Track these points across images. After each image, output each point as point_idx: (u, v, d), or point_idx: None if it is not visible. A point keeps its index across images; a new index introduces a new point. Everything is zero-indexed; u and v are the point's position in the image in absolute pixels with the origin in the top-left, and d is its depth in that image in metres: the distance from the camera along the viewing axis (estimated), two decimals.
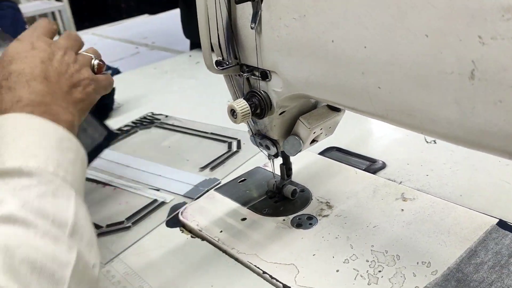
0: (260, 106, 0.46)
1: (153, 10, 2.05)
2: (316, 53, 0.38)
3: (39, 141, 0.31)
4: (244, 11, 0.43)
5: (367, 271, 0.45)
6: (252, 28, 0.42)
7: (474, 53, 0.28)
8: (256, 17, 0.41)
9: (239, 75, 0.47)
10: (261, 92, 0.46)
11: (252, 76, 0.46)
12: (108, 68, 1.17)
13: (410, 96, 0.33)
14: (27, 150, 0.31)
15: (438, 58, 0.30)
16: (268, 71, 0.44)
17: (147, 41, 1.54)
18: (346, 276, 0.44)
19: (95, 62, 0.47)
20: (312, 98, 0.43)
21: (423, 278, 0.43)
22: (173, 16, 1.36)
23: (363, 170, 0.61)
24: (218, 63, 0.48)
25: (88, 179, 0.68)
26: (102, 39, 1.65)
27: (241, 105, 0.45)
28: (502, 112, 0.28)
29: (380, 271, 0.45)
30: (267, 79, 0.45)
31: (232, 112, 0.45)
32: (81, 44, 0.48)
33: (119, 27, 1.89)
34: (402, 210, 0.53)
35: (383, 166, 0.63)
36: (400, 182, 0.58)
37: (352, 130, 0.72)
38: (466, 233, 0.48)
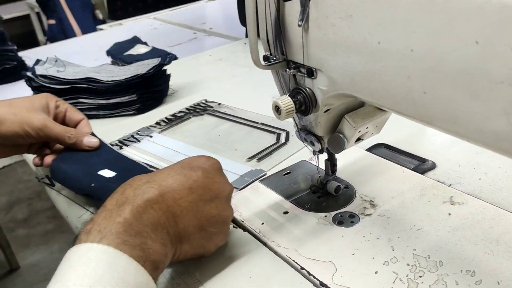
0: (305, 103, 0.46)
1: None
2: (361, 54, 0.37)
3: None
4: (292, 8, 0.43)
5: (407, 275, 0.44)
6: (299, 25, 0.42)
7: None
8: (303, 15, 0.41)
9: (285, 71, 0.47)
10: (306, 89, 0.46)
11: (298, 73, 0.46)
12: (167, 54, 1.20)
13: (456, 103, 0.32)
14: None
15: (487, 67, 0.29)
16: (314, 68, 0.44)
17: (205, 26, 1.57)
18: (385, 279, 0.44)
19: None
20: (357, 98, 0.42)
21: (465, 287, 0.42)
22: (233, 0, 1.37)
23: (411, 169, 0.60)
24: (265, 58, 0.48)
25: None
26: (163, 24, 1.69)
27: (286, 102, 0.45)
28: None
29: (420, 277, 0.44)
30: (313, 77, 0.44)
31: (277, 109, 0.46)
32: None
33: (180, 11, 1.93)
34: (449, 214, 0.51)
35: (433, 166, 0.60)
36: (450, 185, 0.56)
37: (403, 126, 0.70)
38: None
